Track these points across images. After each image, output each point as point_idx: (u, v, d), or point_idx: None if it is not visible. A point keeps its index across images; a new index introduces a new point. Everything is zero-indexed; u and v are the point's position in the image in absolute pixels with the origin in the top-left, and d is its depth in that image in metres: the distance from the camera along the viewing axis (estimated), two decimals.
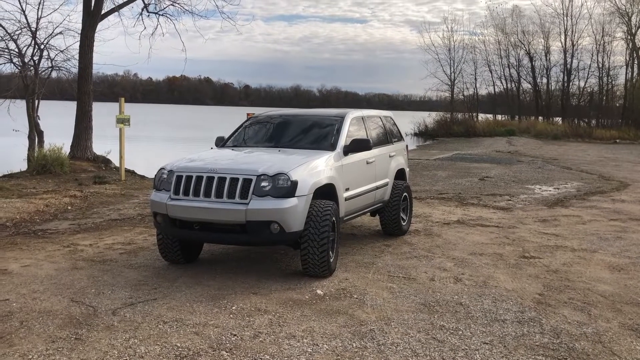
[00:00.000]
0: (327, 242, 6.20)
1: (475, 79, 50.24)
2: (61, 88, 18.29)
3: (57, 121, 19.80)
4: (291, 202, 6.00)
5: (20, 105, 16.44)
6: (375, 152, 8.00)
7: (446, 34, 50.12)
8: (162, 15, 18.00)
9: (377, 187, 8.03)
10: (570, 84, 46.96)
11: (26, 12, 16.04)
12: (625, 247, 8.35)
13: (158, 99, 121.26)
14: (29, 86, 16.17)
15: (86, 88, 16.83)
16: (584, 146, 32.68)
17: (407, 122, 48.96)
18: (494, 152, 27.36)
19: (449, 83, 48.46)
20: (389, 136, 8.77)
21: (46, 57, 16.51)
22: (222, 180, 6.12)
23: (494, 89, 52.44)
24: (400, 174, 8.95)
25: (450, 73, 48.49)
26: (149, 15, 18.19)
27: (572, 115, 46.18)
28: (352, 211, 7.43)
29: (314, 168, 6.49)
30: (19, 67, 16.27)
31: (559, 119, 47.09)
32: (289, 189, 6.01)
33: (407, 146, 9.56)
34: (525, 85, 50.86)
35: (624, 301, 5.95)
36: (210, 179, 6.17)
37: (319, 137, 7.41)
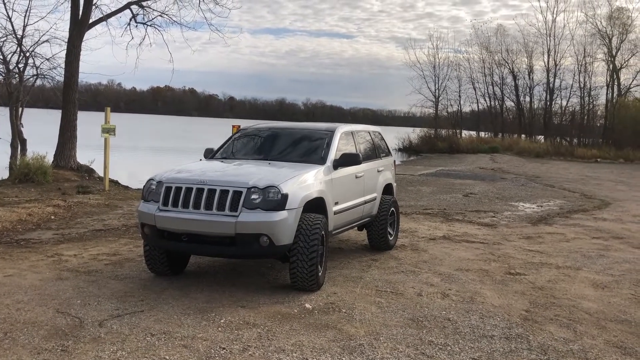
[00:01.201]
0: (316, 256, 6.20)
1: (460, 96, 50.94)
2: (46, 96, 18.15)
3: (41, 129, 19.59)
4: (281, 215, 6.00)
5: (3, 113, 16.26)
6: (364, 166, 8.04)
7: (431, 51, 50.57)
8: (150, 25, 18.00)
9: (366, 202, 8.06)
10: (553, 102, 47.71)
11: (12, 19, 15.93)
12: (608, 265, 8.45)
13: (142, 109, 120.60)
14: (13, 93, 16.01)
15: (72, 97, 16.72)
16: (565, 164, 33.10)
17: (392, 137, 49.29)
18: (478, 169, 27.60)
19: (433, 99, 48.98)
20: (377, 151, 8.83)
21: (31, 64, 16.39)
22: (212, 192, 6.11)
23: (478, 106, 53.17)
24: (388, 189, 8.99)
25: (435, 90, 49.06)
26: (137, 26, 18.20)
27: (554, 133, 46.85)
28: (341, 225, 7.44)
29: (304, 181, 6.50)
30: (3, 74, 16.11)
31: (541, 137, 47.71)
32: (280, 202, 6.01)
33: (394, 161, 9.61)
34: (509, 103, 51.64)
35: (609, 318, 6.01)
36: (200, 191, 6.15)
37: (309, 150, 7.44)
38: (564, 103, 47.66)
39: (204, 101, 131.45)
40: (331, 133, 7.62)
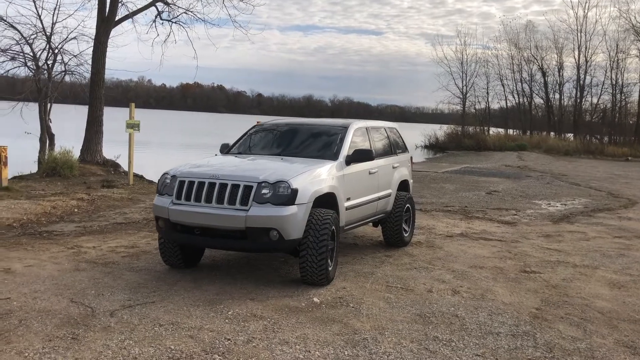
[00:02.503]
0: (325, 251, 6.25)
1: (488, 92, 50.34)
2: (74, 92, 18.53)
3: (69, 124, 20.02)
4: (291, 209, 6.06)
5: (32, 108, 16.66)
6: (378, 162, 8.05)
7: (459, 47, 50.06)
8: (175, 22, 18.23)
9: (380, 198, 8.07)
10: (583, 100, 46.82)
11: (42, 17, 16.31)
12: (627, 264, 8.32)
13: (171, 106, 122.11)
14: (42, 89, 16.39)
15: (98, 93, 17.05)
16: (594, 163, 32.50)
17: (418, 134, 49.08)
18: (503, 167, 27.30)
19: (461, 96, 48.51)
20: (393, 147, 8.82)
21: (60, 61, 16.76)
22: (223, 186, 6.20)
23: (506, 103, 52.50)
24: (403, 185, 8.98)
25: (462, 86, 48.57)
26: (162, 23, 18.44)
27: (584, 131, 46.00)
28: (353, 221, 7.47)
29: (315, 177, 6.54)
30: (33, 71, 16.51)
31: (570, 135, 46.89)
32: (289, 197, 6.07)
33: (411, 158, 9.59)
34: (538, 100, 50.87)
35: (621, 318, 5.93)
36: (212, 185, 6.25)
37: (322, 146, 7.47)
38: (595, 100, 46.80)
39: (232, 98, 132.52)
40: (345, 129, 7.64)
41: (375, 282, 6.80)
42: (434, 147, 46.89)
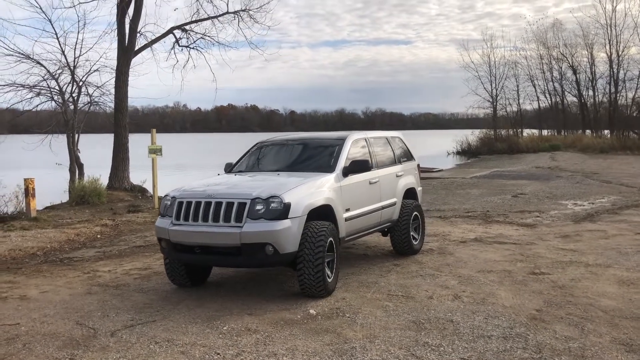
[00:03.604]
0: (321, 263, 6.34)
1: (518, 94, 49.66)
2: (99, 122, 19.17)
3: (98, 153, 20.66)
4: (284, 224, 6.18)
5: (60, 140, 17.30)
6: (379, 172, 8.12)
7: (485, 50, 49.54)
8: (193, 48, 18.71)
9: (383, 207, 8.12)
10: (618, 95, 45.66)
11: (65, 52, 16.99)
12: None
13: (206, 128, 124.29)
14: (69, 122, 17.02)
15: (122, 121, 17.60)
16: (631, 159, 31.62)
17: (450, 140, 48.70)
18: (534, 168, 26.86)
19: (490, 99, 47.98)
20: (396, 156, 8.86)
21: (84, 93, 17.39)
22: (218, 204, 6.37)
23: (539, 103, 51.68)
24: (410, 194, 9.00)
25: (492, 89, 48.06)
26: (181, 49, 18.94)
27: (621, 127, 44.76)
28: (355, 231, 7.54)
29: (309, 190, 6.66)
30: (60, 104, 17.17)
31: (607, 132, 45.75)
32: (282, 211, 6.20)
33: (418, 165, 9.60)
34: (570, 98, 49.89)
35: (624, 315, 5.83)
36: (208, 204, 6.43)
37: (320, 159, 7.59)
38: (631, 95, 45.56)
39: (266, 117, 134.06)
40: (342, 141, 7.75)
41: (377, 292, 6.84)
42: (467, 152, 46.39)
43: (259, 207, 6.24)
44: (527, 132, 51.98)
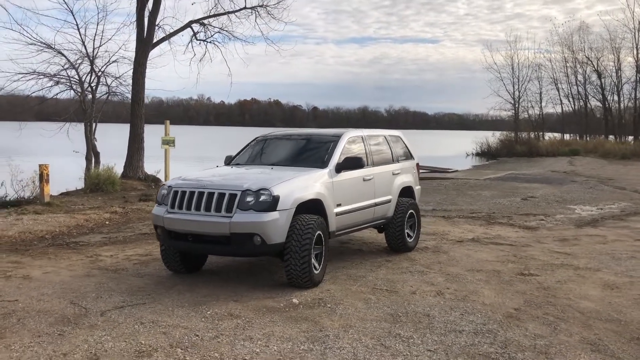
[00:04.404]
0: (308, 254, 6.55)
1: (541, 97, 49.24)
2: (116, 112, 19.61)
3: (115, 143, 21.15)
4: (272, 215, 6.41)
5: (78, 129, 17.75)
6: (374, 170, 8.30)
7: (508, 52, 49.14)
8: (210, 42, 19.02)
9: (377, 204, 8.29)
10: None
11: (85, 43, 17.42)
12: (633, 266, 8.20)
13: (230, 122, 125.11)
14: (87, 111, 17.47)
15: (138, 112, 17.99)
16: None
17: (469, 142, 48.49)
18: (549, 172, 26.73)
19: (512, 101, 47.64)
20: (393, 155, 9.02)
21: (103, 83, 17.82)
22: (211, 195, 6.62)
23: (562, 107, 51.17)
24: (406, 192, 9.15)
25: (514, 91, 47.71)
26: (199, 43, 19.26)
27: None
28: (346, 226, 7.73)
29: (299, 184, 6.87)
30: (79, 94, 17.62)
31: (631, 138, 45.11)
32: (271, 203, 6.43)
33: (417, 164, 9.75)
34: (594, 103, 49.29)
35: (599, 317, 5.94)
36: (201, 194, 6.69)
37: (314, 155, 7.80)
38: None
39: (289, 112, 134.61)
40: (337, 138, 7.94)
41: (363, 285, 7.03)
42: (486, 154, 46.16)
43: (249, 198, 6.48)
44: (549, 135, 51.55)
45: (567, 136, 51.06)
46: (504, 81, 47.67)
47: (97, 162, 17.82)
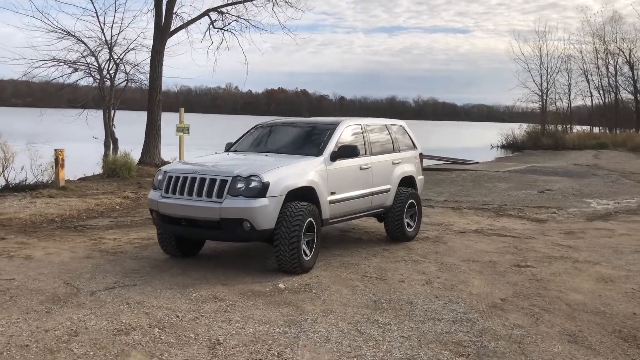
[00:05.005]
0: (297, 241, 6.62)
1: (570, 89, 48.32)
2: (134, 99, 19.91)
3: (135, 130, 21.46)
4: (261, 202, 6.49)
5: (96, 115, 18.09)
6: (372, 159, 8.31)
7: (537, 43, 48.24)
8: (227, 30, 19.14)
9: (374, 193, 8.31)
10: None
11: (104, 31, 17.71)
12: (634, 260, 8.08)
13: (257, 111, 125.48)
14: (106, 97, 17.78)
15: (156, 99, 18.24)
16: None
17: (495, 134, 47.86)
18: (572, 165, 26.29)
19: (539, 93, 46.86)
20: (394, 144, 9.01)
21: (121, 70, 18.11)
22: (202, 180, 6.74)
23: (592, 99, 50.15)
24: (408, 182, 9.14)
25: (541, 83, 46.90)
26: (217, 31, 19.41)
27: None
28: (341, 214, 7.77)
29: (291, 171, 6.94)
30: (98, 80, 17.95)
31: None
32: (260, 190, 6.51)
33: (420, 154, 9.72)
34: (626, 95, 48.21)
35: (585, 310, 5.90)
36: (193, 180, 6.81)
37: (309, 143, 7.85)
38: None
39: (316, 102, 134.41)
40: (334, 127, 7.97)
41: (354, 272, 7.08)
42: (512, 146, 45.52)
43: (239, 185, 6.57)
44: (577, 128, 50.61)
45: (596, 129, 50.09)
46: (531, 72, 46.91)
47: (116, 148, 18.15)
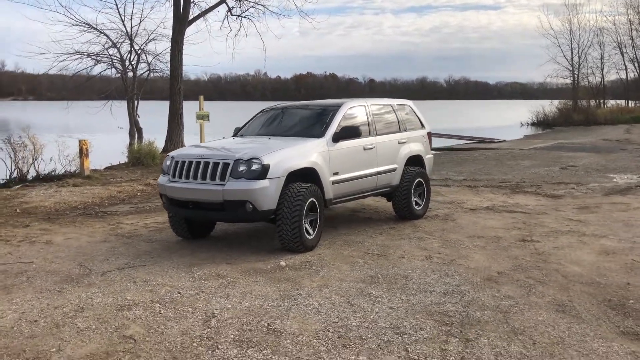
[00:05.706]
0: (298, 220, 6.83)
1: (602, 62, 47.12)
2: (157, 88, 20.33)
3: (158, 119, 21.96)
4: (262, 183, 6.72)
5: (120, 106, 18.56)
6: (377, 139, 8.44)
7: (567, 16, 47.13)
8: (245, 17, 19.36)
9: (379, 173, 8.45)
10: None
11: (125, 22, 18.12)
12: None
13: (286, 96, 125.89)
14: (129, 88, 18.23)
15: (177, 88, 18.62)
16: None
17: (525, 111, 47.11)
18: (601, 141, 25.83)
19: (570, 68, 45.84)
20: (400, 124, 9.11)
21: (143, 60, 18.52)
22: (207, 164, 6.99)
23: (626, 73, 48.83)
24: (415, 161, 9.24)
25: (572, 57, 45.86)
26: (236, 18, 19.63)
27: None
28: (346, 194, 7.94)
29: (292, 153, 7.14)
30: (120, 71, 18.40)
31: None
32: (261, 172, 6.73)
33: (428, 134, 9.79)
34: None
35: (580, 281, 5.97)
36: (198, 164, 7.07)
37: (313, 125, 8.02)
38: None
39: (345, 85, 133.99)
40: (337, 108, 8.12)
41: (356, 250, 7.26)
42: (542, 123, 44.76)
43: (241, 167, 6.80)
44: (611, 103, 49.39)
45: (631, 103, 48.82)
46: (561, 47, 45.89)
47: (140, 137, 18.62)
